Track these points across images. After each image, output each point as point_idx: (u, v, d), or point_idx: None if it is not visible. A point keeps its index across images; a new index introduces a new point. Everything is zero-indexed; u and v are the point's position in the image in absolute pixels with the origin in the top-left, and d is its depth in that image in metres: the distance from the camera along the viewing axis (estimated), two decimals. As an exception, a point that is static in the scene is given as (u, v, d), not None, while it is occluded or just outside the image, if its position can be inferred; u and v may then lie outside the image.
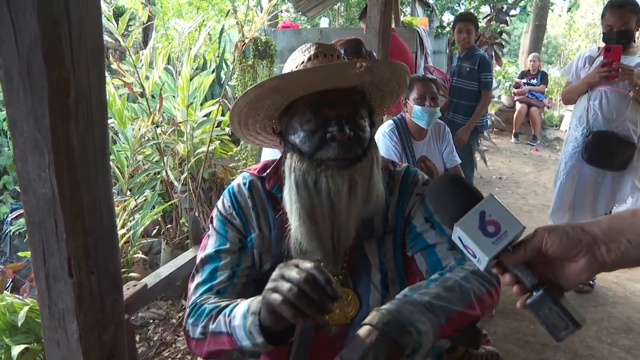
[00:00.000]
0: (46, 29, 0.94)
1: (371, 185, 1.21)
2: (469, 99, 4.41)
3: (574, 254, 0.81)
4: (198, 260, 1.30)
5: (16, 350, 1.84)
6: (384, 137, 2.99)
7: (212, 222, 1.35)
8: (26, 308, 1.90)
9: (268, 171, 1.35)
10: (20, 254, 2.61)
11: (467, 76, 4.44)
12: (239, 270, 1.27)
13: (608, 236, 0.80)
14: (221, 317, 1.13)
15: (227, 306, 1.14)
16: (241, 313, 1.07)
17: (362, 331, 1.00)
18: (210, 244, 1.31)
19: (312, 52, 1.25)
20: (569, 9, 11.28)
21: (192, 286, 1.28)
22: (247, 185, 1.34)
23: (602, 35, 3.27)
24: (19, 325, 1.86)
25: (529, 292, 0.85)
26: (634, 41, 3.21)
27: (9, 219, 3.72)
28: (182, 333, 2.91)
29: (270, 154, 2.35)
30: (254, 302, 1.06)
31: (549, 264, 0.85)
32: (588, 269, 0.81)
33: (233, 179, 1.40)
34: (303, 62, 1.24)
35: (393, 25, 4.98)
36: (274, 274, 0.99)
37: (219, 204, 1.36)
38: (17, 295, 2.07)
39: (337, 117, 1.18)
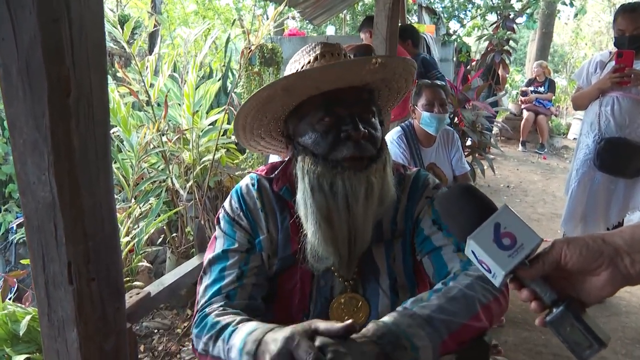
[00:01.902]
0: (46, 26, 0.92)
1: (385, 187, 1.18)
2: None
3: (596, 267, 0.76)
4: (205, 262, 1.26)
5: (17, 360, 1.81)
6: (391, 144, 2.95)
7: (218, 223, 1.32)
8: (28, 317, 1.86)
9: (276, 172, 1.32)
10: (22, 261, 2.58)
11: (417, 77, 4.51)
12: (248, 270, 1.22)
13: (632, 247, 0.75)
14: (220, 343, 1.08)
15: (226, 327, 1.08)
16: (237, 348, 1.01)
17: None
18: (218, 246, 1.27)
19: (318, 52, 1.21)
20: (576, 15, 11.22)
21: (200, 289, 1.24)
22: (255, 186, 1.30)
23: (613, 39, 3.22)
24: (21, 334, 1.82)
25: (549, 309, 0.79)
26: (647, 46, 3.15)
27: (14, 227, 3.71)
28: (187, 343, 2.87)
29: (278, 158, 2.32)
30: (250, 337, 0.99)
31: (568, 278, 0.80)
32: (611, 282, 0.76)
33: None
34: (309, 62, 1.21)
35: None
36: (279, 342, 0.90)
37: (226, 204, 1.32)
38: (19, 304, 2.03)
39: (351, 115, 1.15)
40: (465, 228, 0.82)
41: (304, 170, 1.16)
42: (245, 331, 1.02)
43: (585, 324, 0.76)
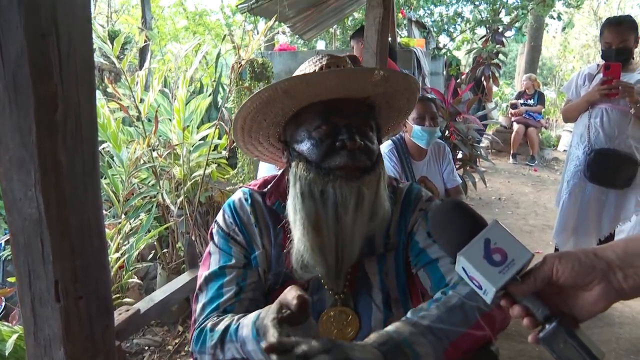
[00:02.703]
0: (33, 42, 0.91)
1: (377, 201, 1.18)
2: None
3: (588, 282, 0.75)
4: (201, 279, 1.24)
5: (4, 380, 1.78)
6: (382, 158, 2.95)
7: (212, 238, 1.30)
8: (15, 336, 1.83)
9: (269, 187, 1.32)
10: (10, 279, 2.54)
11: None
12: (246, 286, 1.21)
13: (624, 261, 0.74)
14: (229, 345, 1.09)
15: (228, 328, 1.10)
16: (251, 337, 1.03)
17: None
18: (213, 262, 1.25)
19: (323, 63, 1.23)
20: (564, 28, 11.37)
21: (197, 307, 1.22)
22: (248, 201, 1.29)
23: (601, 52, 3.26)
24: (7, 354, 1.79)
25: (541, 325, 0.78)
26: (633, 58, 3.19)
27: (1, 243, 3.65)
28: (178, 360, 2.83)
29: (267, 173, 2.30)
30: (259, 323, 1.01)
31: (561, 293, 0.78)
32: (604, 297, 0.75)
33: None
34: (314, 72, 1.21)
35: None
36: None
37: (220, 219, 1.31)
38: (5, 323, 2.00)
39: (348, 125, 1.15)
40: (455, 244, 0.82)
41: (296, 175, 1.16)
42: (251, 323, 1.04)
43: (578, 340, 0.74)
